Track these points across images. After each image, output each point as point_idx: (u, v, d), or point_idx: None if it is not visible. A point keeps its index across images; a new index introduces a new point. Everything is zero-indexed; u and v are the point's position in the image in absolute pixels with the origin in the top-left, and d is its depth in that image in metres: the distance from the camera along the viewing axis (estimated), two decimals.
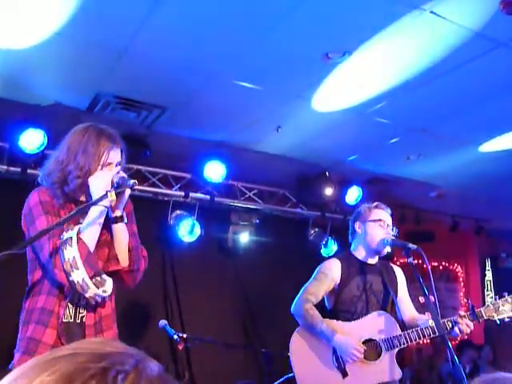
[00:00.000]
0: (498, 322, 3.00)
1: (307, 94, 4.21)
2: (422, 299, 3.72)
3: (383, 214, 3.31)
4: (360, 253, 3.34)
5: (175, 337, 3.83)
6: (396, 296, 3.29)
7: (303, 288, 3.29)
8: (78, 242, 2.10)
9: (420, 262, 3.43)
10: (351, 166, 5.91)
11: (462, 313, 3.15)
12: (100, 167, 2.22)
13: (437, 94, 4.15)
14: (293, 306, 3.28)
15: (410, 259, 2.93)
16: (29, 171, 4.80)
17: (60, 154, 2.27)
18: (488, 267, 8.68)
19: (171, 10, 3.15)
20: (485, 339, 8.15)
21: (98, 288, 2.13)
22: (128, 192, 2.24)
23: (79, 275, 2.08)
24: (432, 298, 2.74)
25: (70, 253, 2.08)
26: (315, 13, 3.14)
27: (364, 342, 3.08)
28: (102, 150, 2.23)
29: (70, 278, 2.08)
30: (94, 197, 2.17)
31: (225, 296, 6.09)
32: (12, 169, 4.84)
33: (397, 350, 3.09)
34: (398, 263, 7.53)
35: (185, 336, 4.15)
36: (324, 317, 3.18)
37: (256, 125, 4.87)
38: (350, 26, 3.30)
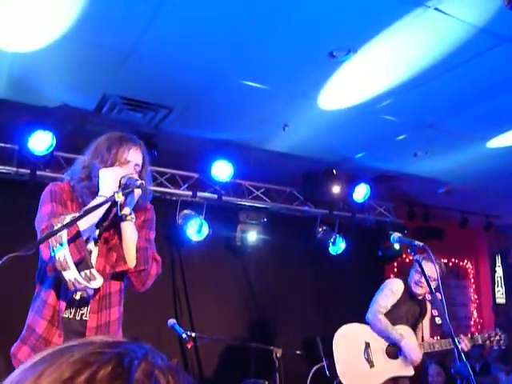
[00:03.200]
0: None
1: (313, 92, 4.21)
2: (428, 297, 3.73)
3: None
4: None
5: (184, 335, 3.83)
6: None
7: (375, 301, 4.15)
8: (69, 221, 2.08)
9: None
10: (359, 164, 5.90)
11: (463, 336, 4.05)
12: (120, 164, 2.31)
13: (443, 90, 4.13)
14: (368, 314, 4.13)
15: (417, 256, 2.93)
16: (38, 173, 4.84)
17: (86, 154, 2.41)
18: (498, 263, 8.63)
19: (177, 11, 3.17)
20: None
21: (88, 281, 2.11)
22: (138, 192, 2.25)
23: (61, 253, 2.05)
24: (439, 296, 2.73)
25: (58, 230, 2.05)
26: (319, 12, 3.15)
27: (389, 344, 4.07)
28: (123, 148, 2.34)
29: (52, 254, 2.06)
30: (101, 188, 2.22)
31: (233, 294, 6.11)
32: (21, 170, 4.87)
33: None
34: (407, 260, 7.56)
35: (193, 335, 4.17)
36: None
37: (263, 124, 4.88)
38: (355, 25, 3.30)
